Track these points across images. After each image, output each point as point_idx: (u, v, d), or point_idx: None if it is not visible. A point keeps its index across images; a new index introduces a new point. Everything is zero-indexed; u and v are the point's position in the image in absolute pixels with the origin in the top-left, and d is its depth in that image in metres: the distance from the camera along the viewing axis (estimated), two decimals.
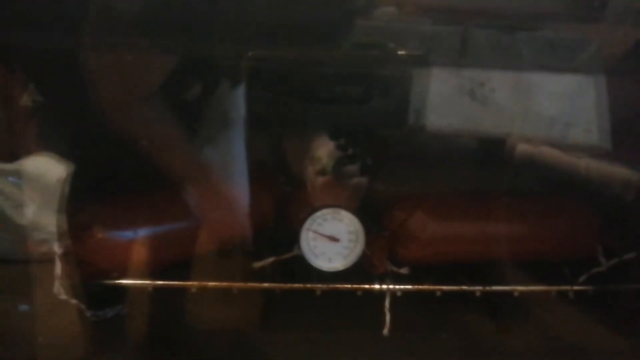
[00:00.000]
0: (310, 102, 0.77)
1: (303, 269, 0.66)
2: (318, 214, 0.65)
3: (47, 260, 0.63)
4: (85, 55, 0.60)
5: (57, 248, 0.62)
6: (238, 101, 0.69)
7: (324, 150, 0.73)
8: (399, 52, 0.63)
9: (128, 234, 0.64)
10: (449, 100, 0.71)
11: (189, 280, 0.67)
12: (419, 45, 0.64)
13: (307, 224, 0.65)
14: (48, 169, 0.67)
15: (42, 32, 0.58)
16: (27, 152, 0.68)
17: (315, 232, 0.65)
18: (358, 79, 0.76)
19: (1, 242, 0.71)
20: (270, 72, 0.70)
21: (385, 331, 0.65)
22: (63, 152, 0.68)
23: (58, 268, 0.62)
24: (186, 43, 0.60)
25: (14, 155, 0.69)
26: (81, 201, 0.65)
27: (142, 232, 0.65)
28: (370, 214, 0.67)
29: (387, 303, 0.66)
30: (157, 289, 0.66)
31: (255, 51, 0.62)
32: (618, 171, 0.74)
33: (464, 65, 0.69)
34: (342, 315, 0.71)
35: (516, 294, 0.67)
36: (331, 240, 0.65)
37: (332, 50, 0.63)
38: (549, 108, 0.71)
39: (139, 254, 0.64)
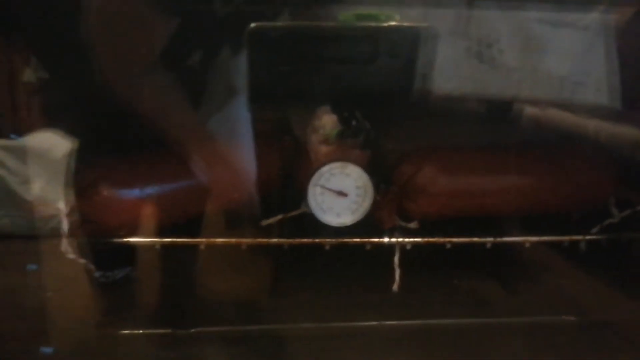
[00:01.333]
0: (314, 63, 0.76)
1: (311, 226, 0.66)
2: (325, 168, 0.64)
3: (56, 235, 0.63)
4: (87, 19, 0.59)
5: (62, 206, 0.62)
6: (241, 67, 0.68)
7: (327, 120, 0.72)
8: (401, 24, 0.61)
9: (134, 191, 0.64)
10: (457, 63, 0.70)
11: None
12: (424, 5, 0.63)
13: (315, 179, 0.64)
14: (53, 144, 0.67)
15: None
16: (32, 128, 0.68)
17: (323, 187, 0.65)
18: (364, 39, 0.75)
19: (9, 218, 0.71)
20: (274, 36, 0.69)
21: (395, 287, 0.65)
22: (69, 121, 0.67)
23: (64, 226, 0.61)
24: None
25: (18, 132, 0.69)
26: (87, 160, 0.64)
27: (149, 190, 0.65)
28: (379, 169, 0.67)
29: (396, 259, 0.66)
30: (166, 249, 0.66)
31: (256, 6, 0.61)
32: (628, 131, 0.73)
33: (471, 26, 0.68)
34: (351, 273, 0.71)
35: (528, 245, 0.67)
36: (339, 195, 0.65)
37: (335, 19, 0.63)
38: (558, 68, 0.70)
39: (146, 211, 0.64)
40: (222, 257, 0.70)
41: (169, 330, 0.64)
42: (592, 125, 0.76)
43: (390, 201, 0.66)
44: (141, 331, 0.65)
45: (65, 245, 0.62)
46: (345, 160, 0.67)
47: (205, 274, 0.71)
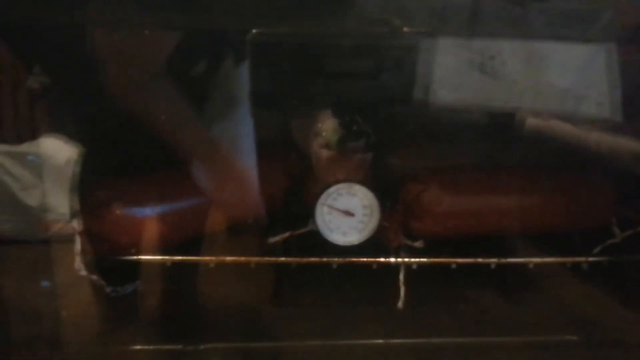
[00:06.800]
0: (317, 77, 0.77)
1: (318, 244, 0.67)
2: (332, 189, 0.65)
3: (60, 240, 0.64)
4: (91, 33, 0.60)
5: (76, 225, 0.63)
6: (244, 78, 0.68)
7: (329, 124, 0.72)
8: (405, 29, 0.62)
9: (146, 210, 0.65)
10: (459, 74, 0.70)
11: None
12: (429, 18, 0.63)
13: (322, 198, 0.66)
14: (56, 150, 0.68)
15: (47, 8, 0.57)
16: (36, 134, 0.69)
17: (330, 206, 0.66)
18: (367, 53, 0.75)
19: (12, 223, 0.71)
20: (276, 47, 0.70)
21: (400, 304, 0.66)
22: (75, 132, 0.68)
23: (78, 244, 0.62)
24: (190, 16, 0.60)
25: (22, 138, 0.69)
26: (99, 178, 0.65)
27: (160, 209, 0.66)
28: (385, 189, 0.68)
29: (401, 277, 0.67)
30: (175, 264, 0.67)
31: (260, 25, 0.61)
32: (629, 144, 0.74)
33: (474, 39, 0.68)
34: (357, 289, 0.72)
35: (531, 266, 0.68)
36: (346, 214, 0.66)
37: (338, 25, 0.63)
38: (561, 81, 0.71)
39: (157, 230, 0.65)
40: (227, 267, 0.71)
41: (179, 346, 0.65)
42: (593, 136, 0.76)
43: (396, 220, 0.68)
44: (151, 347, 0.66)
45: (78, 263, 0.63)
46: (347, 163, 0.68)
47: (210, 281, 0.72)
